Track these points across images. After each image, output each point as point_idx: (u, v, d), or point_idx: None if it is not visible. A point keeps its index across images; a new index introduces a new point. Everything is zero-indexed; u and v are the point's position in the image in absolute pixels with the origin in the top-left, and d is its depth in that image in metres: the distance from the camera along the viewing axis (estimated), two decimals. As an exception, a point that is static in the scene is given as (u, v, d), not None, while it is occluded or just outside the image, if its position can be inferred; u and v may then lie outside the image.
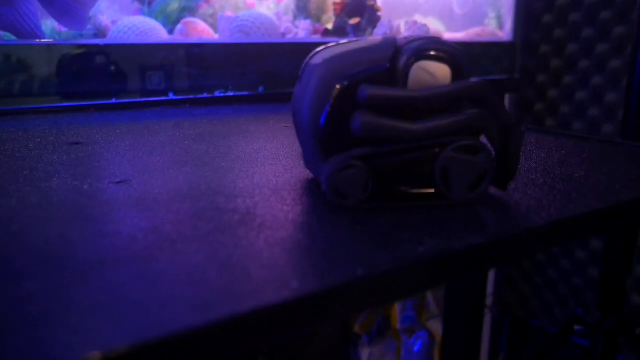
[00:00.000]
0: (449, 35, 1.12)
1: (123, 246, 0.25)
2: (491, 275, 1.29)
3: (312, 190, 0.34)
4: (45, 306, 0.19)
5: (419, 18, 1.11)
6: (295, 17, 0.96)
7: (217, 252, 0.24)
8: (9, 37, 0.68)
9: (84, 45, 0.68)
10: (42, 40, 0.67)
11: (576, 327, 0.91)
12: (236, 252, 0.24)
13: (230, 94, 0.78)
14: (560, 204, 0.32)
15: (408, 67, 0.28)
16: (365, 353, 1.25)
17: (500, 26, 1.16)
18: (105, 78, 0.70)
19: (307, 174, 0.38)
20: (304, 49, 0.85)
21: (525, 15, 1.14)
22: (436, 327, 1.27)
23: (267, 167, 0.40)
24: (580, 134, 0.72)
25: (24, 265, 0.23)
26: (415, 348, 1.27)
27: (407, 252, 0.24)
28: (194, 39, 0.84)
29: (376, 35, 0.96)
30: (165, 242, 0.25)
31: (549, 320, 1.23)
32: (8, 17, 0.64)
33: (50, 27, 0.73)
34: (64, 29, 0.73)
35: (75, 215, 0.29)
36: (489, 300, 1.29)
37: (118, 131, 0.53)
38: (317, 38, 0.92)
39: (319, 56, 0.32)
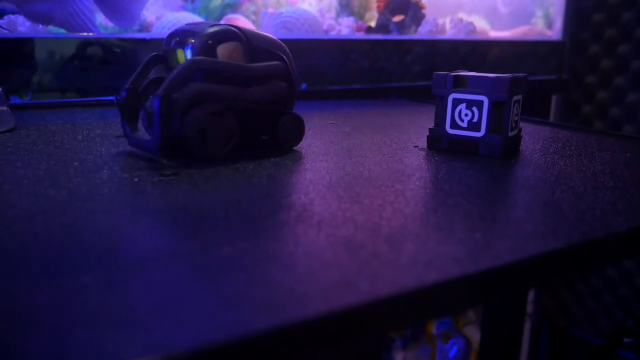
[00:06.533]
0: (494, 34, 1.08)
1: (178, 240, 0.24)
2: (532, 281, 1.25)
3: (368, 187, 0.32)
4: (104, 301, 0.18)
5: (463, 16, 1.08)
6: (338, 14, 0.95)
7: (276, 250, 0.23)
8: (57, 31, 0.69)
9: (129, 40, 0.68)
10: (88, 34, 0.67)
11: (625, 339, 0.87)
12: (297, 250, 0.23)
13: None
14: (636, 207, 0.29)
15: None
16: (399, 357, 1.23)
17: (549, 25, 1.13)
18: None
19: (357, 170, 0.36)
20: (347, 46, 0.84)
21: (575, 13, 1.10)
22: (473, 333, 1.24)
23: (318, 163, 0.38)
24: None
25: (79, 257, 0.22)
26: (451, 354, 1.24)
27: (479, 257, 0.22)
28: (236, 34, 0.83)
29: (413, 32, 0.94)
30: (223, 238, 0.24)
31: (592, 330, 1.18)
32: (61, 12, 0.65)
33: (97, 21, 0.74)
34: (110, 24, 0.74)
35: (126, 207, 0.28)
36: (528, 307, 1.25)
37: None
38: (360, 35, 0.90)
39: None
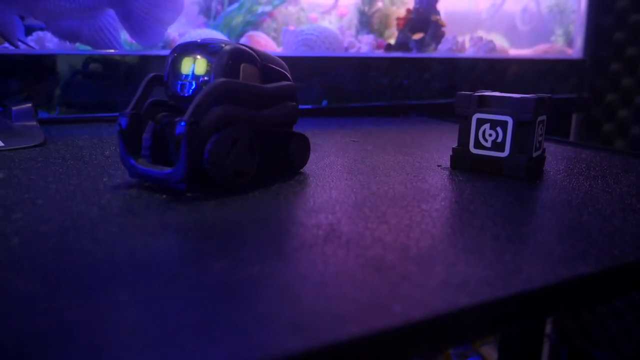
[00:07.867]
0: (514, 52, 1.08)
1: (208, 258, 0.24)
2: (551, 301, 1.23)
3: (394, 207, 0.32)
4: (138, 319, 0.19)
5: (482, 34, 1.08)
6: (358, 32, 0.96)
7: (306, 270, 0.23)
8: (83, 47, 0.71)
9: (153, 57, 0.69)
10: (113, 51, 0.69)
11: (648, 363, 0.85)
12: (327, 270, 0.23)
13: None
14: (667, 232, 0.29)
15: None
16: (415, 375, 1.21)
17: (569, 43, 1.12)
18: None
19: (382, 189, 0.36)
20: (367, 63, 0.84)
21: (595, 32, 1.09)
22: (490, 352, 1.22)
23: (342, 182, 0.39)
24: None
25: (113, 274, 0.22)
26: (468, 373, 1.22)
27: (510, 281, 0.22)
28: (258, 51, 0.84)
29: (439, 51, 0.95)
30: (252, 257, 0.24)
31: (613, 352, 1.16)
32: (88, 29, 0.66)
33: (122, 38, 0.75)
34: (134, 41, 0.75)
35: (157, 224, 0.29)
36: (547, 327, 1.23)
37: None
38: (379, 53, 0.91)
39: None
